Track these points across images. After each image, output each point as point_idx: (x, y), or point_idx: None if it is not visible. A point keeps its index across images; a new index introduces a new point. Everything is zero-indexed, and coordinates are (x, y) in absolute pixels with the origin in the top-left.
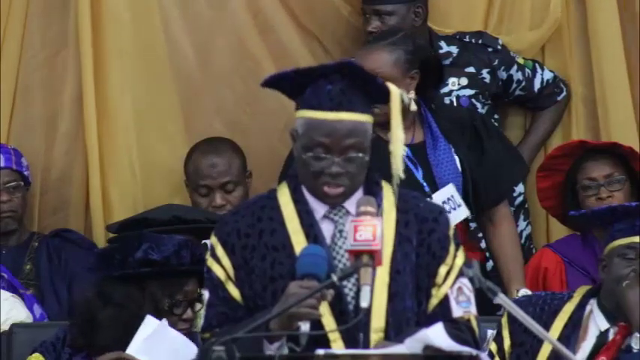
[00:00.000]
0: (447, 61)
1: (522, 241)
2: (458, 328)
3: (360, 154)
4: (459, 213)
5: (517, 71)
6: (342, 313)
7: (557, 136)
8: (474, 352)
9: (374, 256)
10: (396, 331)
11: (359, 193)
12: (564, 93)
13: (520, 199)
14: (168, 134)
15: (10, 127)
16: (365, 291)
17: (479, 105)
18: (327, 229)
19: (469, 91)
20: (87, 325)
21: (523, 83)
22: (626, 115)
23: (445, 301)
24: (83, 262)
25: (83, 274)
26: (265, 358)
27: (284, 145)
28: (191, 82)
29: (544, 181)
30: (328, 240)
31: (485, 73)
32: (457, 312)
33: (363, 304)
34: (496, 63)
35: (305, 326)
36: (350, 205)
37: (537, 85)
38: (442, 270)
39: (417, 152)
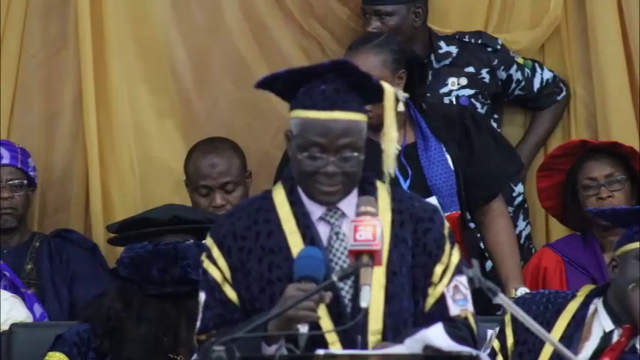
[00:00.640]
0: (447, 61)
1: (522, 241)
2: (456, 327)
3: (356, 153)
4: None
5: (516, 71)
6: (340, 315)
7: (557, 136)
8: (474, 352)
9: (374, 256)
10: (393, 332)
11: (354, 194)
12: (564, 93)
13: (519, 199)
14: (169, 134)
15: (10, 126)
16: (365, 291)
17: (478, 105)
18: (323, 230)
19: (469, 91)
20: (116, 337)
21: (522, 83)
22: (626, 115)
23: (442, 299)
24: (84, 262)
25: (84, 274)
26: (265, 359)
27: (278, 148)
28: (189, 83)
29: (544, 180)
30: (324, 242)
31: (484, 72)
32: (454, 310)
33: (363, 304)
34: (495, 63)
35: (304, 329)
36: (345, 206)
37: (537, 84)
38: (438, 269)
39: (409, 154)
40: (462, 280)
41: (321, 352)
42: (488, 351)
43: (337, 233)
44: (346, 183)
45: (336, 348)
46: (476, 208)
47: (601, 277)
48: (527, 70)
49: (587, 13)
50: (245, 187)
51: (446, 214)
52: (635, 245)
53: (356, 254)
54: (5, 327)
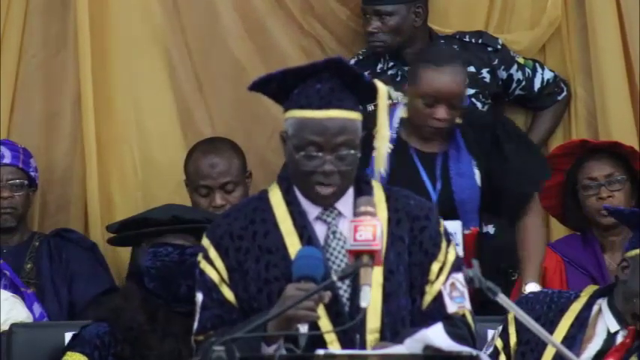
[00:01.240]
0: None
1: None
2: (455, 325)
3: (352, 151)
4: None
5: (517, 71)
6: (338, 315)
7: (558, 136)
8: (474, 352)
9: (374, 256)
10: (391, 331)
11: (350, 193)
12: (564, 93)
13: None
14: (169, 135)
15: (10, 126)
16: (365, 291)
17: (479, 104)
18: (319, 230)
19: (469, 91)
20: (138, 347)
21: (523, 83)
22: (625, 115)
23: (439, 297)
24: (84, 261)
25: (84, 273)
26: (265, 358)
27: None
28: (189, 84)
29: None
30: (321, 241)
31: (485, 72)
32: (451, 308)
33: (363, 304)
34: (496, 62)
35: (303, 329)
36: (342, 206)
37: (537, 84)
38: (434, 267)
39: (441, 163)
40: (459, 277)
41: (320, 352)
42: (490, 350)
43: (334, 232)
44: (342, 181)
45: (334, 347)
46: (512, 219)
47: (601, 277)
48: (527, 70)
49: (587, 13)
50: (245, 188)
51: (466, 232)
52: None
53: (356, 254)
54: (5, 327)
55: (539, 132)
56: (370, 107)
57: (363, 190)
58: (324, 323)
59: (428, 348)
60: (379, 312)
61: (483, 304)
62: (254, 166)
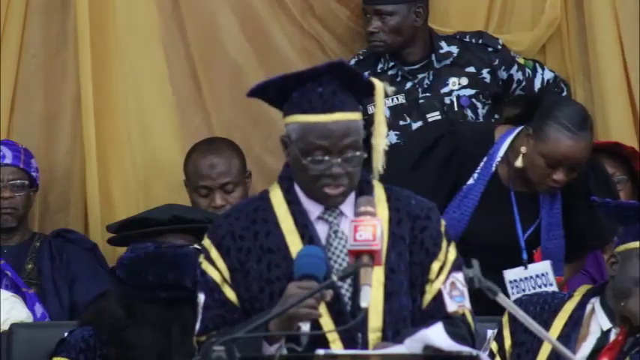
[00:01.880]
0: (448, 61)
1: None
2: (454, 325)
3: (358, 153)
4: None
5: (517, 71)
6: (340, 314)
7: None
8: (474, 352)
9: (374, 256)
10: (393, 330)
11: (352, 194)
12: (565, 93)
13: None
14: (169, 135)
15: (11, 126)
16: (365, 291)
17: (479, 105)
18: (321, 229)
19: (469, 91)
20: (122, 345)
21: (523, 83)
22: (625, 115)
23: (439, 296)
24: (84, 262)
25: (85, 274)
26: (265, 358)
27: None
28: (189, 84)
29: None
30: (323, 241)
31: (485, 72)
32: (451, 307)
33: (363, 304)
34: (496, 63)
35: (305, 327)
36: (344, 206)
37: (538, 85)
38: (435, 266)
39: (528, 205)
40: (459, 276)
41: (321, 352)
42: (486, 353)
43: (336, 232)
44: (350, 183)
45: (336, 346)
46: (578, 257)
47: (601, 278)
48: (528, 71)
49: (586, 13)
50: (245, 188)
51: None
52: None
53: (356, 254)
54: (5, 327)
55: None
56: (371, 109)
57: (364, 189)
58: (326, 322)
59: (428, 348)
60: (381, 311)
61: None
62: (251, 168)
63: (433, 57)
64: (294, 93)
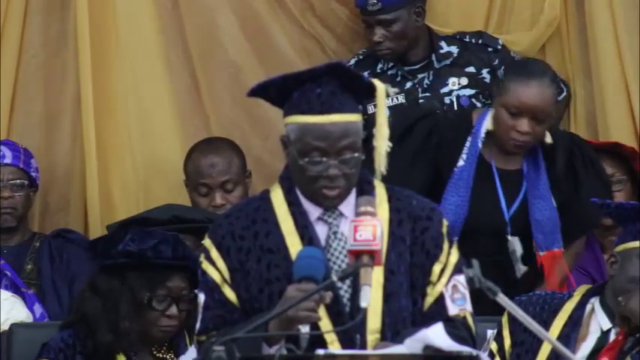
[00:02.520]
0: (448, 61)
1: None
2: (455, 327)
3: (356, 154)
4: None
5: None
6: (339, 314)
7: None
8: (474, 352)
9: (374, 256)
10: (392, 331)
11: (352, 194)
12: (565, 93)
13: None
14: (169, 135)
15: (11, 126)
16: (365, 291)
17: (479, 105)
18: (321, 230)
19: (469, 91)
20: (82, 321)
21: None
22: (625, 115)
23: (440, 299)
24: (85, 262)
25: (85, 274)
26: (265, 358)
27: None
28: (188, 85)
29: None
30: (323, 242)
31: (485, 72)
32: (453, 310)
33: (363, 304)
34: (496, 63)
35: (304, 329)
36: (344, 207)
37: None
38: (436, 268)
39: (514, 179)
40: (461, 279)
41: (321, 352)
42: (486, 353)
43: (335, 233)
44: (347, 184)
45: (335, 347)
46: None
47: (601, 278)
48: None
49: (586, 14)
50: (245, 187)
51: (545, 252)
52: (638, 244)
53: (356, 254)
54: (5, 327)
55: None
56: (371, 109)
57: (364, 190)
58: (325, 323)
59: (428, 348)
60: (380, 312)
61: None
62: (251, 168)
63: (433, 57)
64: (294, 93)
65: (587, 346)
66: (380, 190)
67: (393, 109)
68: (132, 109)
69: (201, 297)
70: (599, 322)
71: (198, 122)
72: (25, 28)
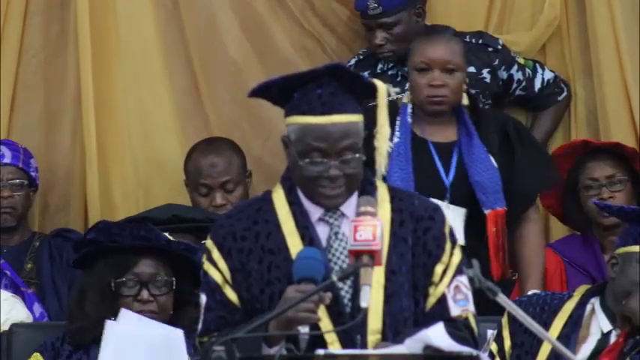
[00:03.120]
0: None
1: None
2: (456, 327)
3: (357, 155)
4: None
5: (517, 71)
6: (339, 315)
7: (558, 137)
8: (474, 352)
9: (374, 256)
10: (393, 331)
11: (354, 195)
12: (565, 93)
13: None
14: (169, 134)
15: (11, 126)
16: (365, 291)
17: (479, 105)
18: (322, 231)
19: (470, 91)
20: (70, 315)
21: (523, 83)
22: (625, 115)
23: (442, 300)
24: None
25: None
26: (265, 358)
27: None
28: (188, 85)
29: None
30: (324, 242)
31: (485, 72)
32: (455, 311)
33: (363, 304)
34: (496, 63)
35: (304, 330)
36: (346, 208)
37: (538, 85)
38: (438, 268)
39: (450, 150)
40: (463, 280)
41: (321, 352)
42: (486, 354)
43: (336, 233)
44: (348, 185)
45: (335, 347)
46: (511, 217)
47: (601, 278)
48: (528, 71)
49: (587, 14)
50: (245, 187)
51: (491, 210)
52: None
53: (356, 254)
54: (5, 327)
55: (540, 132)
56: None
57: (366, 190)
58: (325, 323)
59: (428, 348)
60: (380, 313)
61: None
62: (251, 168)
63: None
64: (295, 94)
65: (587, 348)
66: (382, 191)
67: None
68: (132, 109)
69: (203, 298)
70: (599, 323)
71: (198, 122)
72: (25, 28)
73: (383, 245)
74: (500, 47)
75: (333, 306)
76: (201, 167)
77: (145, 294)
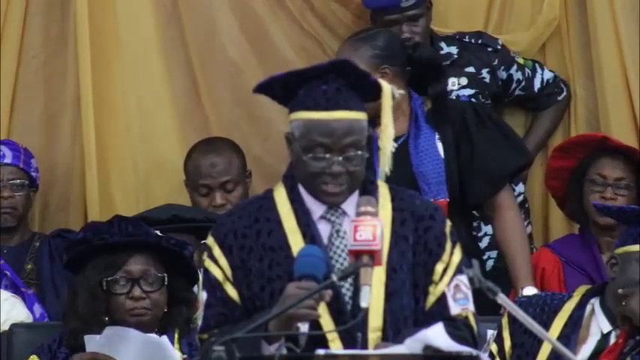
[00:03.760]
0: (448, 61)
1: None
2: (456, 327)
3: (359, 152)
4: None
5: (517, 71)
6: (340, 313)
7: (557, 136)
8: (474, 352)
9: (374, 256)
10: (393, 330)
11: (355, 193)
12: (564, 93)
13: (520, 198)
14: (169, 134)
15: (11, 126)
16: (365, 291)
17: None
18: (324, 229)
19: (469, 91)
20: (64, 316)
21: (523, 83)
22: (626, 115)
23: (442, 298)
24: None
25: None
26: (265, 358)
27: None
28: (187, 85)
29: (557, 161)
30: (325, 240)
31: (485, 72)
32: (455, 309)
33: (363, 303)
34: (496, 63)
35: (304, 327)
36: (347, 206)
37: (537, 84)
38: (439, 267)
39: (397, 143)
40: (463, 279)
41: (321, 352)
42: (486, 354)
43: (338, 231)
44: (351, 182)
45: (336, 345)
46: (483, 203)
47: (599, 278)
48: (527, 70)
49: (588, 13)
50: (245, 187)
51: (432, 201)
52: (637, 248)
53: (356, 254)
54: (5, 327)
55: (539, 132)
56: None
57: (367, 190)
58: (326, 322)
59: (428, 348)
60: (381, 311)
61: None
62: (250, 168)
63: None
64: (300, 90)
65: (587, 349)
66: (383, 190)
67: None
68: (132, 109)
69: (204, 295)
70: (599, 324)
71: (198, 122)
72: (25, 28)
73: (384, 244)
74: (499, 47)
75: (334, 304)
76: (201, 167)
77: (137, 291)
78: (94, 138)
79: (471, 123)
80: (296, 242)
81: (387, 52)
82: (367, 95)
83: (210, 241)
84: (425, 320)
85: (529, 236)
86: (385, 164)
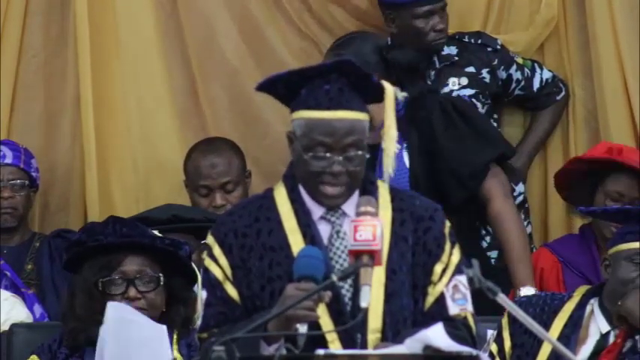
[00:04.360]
0: (448, 62)
1: None
2: (455, 327)
3: (360, 152)
4: None
5: (516, 71)
6: (340, 314)
7: (557, 136)
8: (474, 352)
9: (374, 256)
10: (393, 330)
11: (355, 194)
12: (563, 93)
13: (520, 198)
14: (169, 135)
15: (11, 126)
16: (365, 291)
17: (479, 105)
18: (324, 229)
19: (469, 91)
20: (63, 317)
21: (522, 83)
22: (624, 115)
23: (441, 299)
24: None
25: None
26: (265, 359)
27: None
28: (186, 86)
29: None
30: (325, 240)
31: (485, 72)
32: (453, 310)
33: (363, 304)
34: (495, 63)
35: (303, 328)
36: (347, 207)
37: (536, 84)
38: (438, 268)
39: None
40: (462, 279)
41: (321, 352)
42: (486, 354)
43: (338, 232)
44: (350, 182)
45: (335, 346)
46: (464, 205)
47: (596, 278)
48: (526, 70)
49: (587, 13)
50: (245, 187)
51: None
52: (625, 247)
53: (356, 254)
54: (5, 327)
55: (538, 132)
56: None
57: (367, 190)
58: (326, 322)
59: (428, 348)
60: (381, 312)
61: None
62: (249, 168)
63: (435, 58)
64: (302, 90)
65: (586, 349)
66: (383, 191)
67: None
68: (132, 109)
69: (204, 294)
70: (598, 324)
71: (197, 123)
72: (25, 28)
73: (384, 244)
74: (499, 47)
75: (334, 304)
76: (200, 168)
77: (132, 291)
78: (93, 138)
79: (438, 125)
80: (296, 242)
81: (366, 58)
82: (369, 96)
83: (210, 240)
84: (424, 321)
85: (529, 236)
86: (389, 165)
